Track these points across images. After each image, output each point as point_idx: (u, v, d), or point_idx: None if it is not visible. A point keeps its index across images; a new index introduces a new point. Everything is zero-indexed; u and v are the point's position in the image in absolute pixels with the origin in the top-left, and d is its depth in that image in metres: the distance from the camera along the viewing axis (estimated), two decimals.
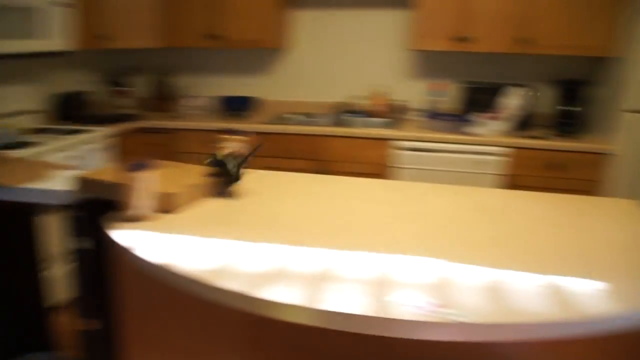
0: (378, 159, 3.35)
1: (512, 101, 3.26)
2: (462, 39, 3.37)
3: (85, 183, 1.71)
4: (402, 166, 3.27)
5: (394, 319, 1.08)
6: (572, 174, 3.15)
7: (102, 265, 1.75)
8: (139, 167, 1.54)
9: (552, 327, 1.10)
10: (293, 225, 1.61)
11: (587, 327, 1.13)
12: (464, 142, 3.21)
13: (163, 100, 4.12)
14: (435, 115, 3.55)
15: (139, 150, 3.65)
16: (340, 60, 3.95)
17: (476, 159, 3.20)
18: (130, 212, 1.58)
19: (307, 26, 3.94)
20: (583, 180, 3.14)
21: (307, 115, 3.87)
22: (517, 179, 3.21)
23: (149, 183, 1.58)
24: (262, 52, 4.06)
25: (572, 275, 1.31)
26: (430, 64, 3.82)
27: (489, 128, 3.27)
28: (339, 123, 3.71)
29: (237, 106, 3.80)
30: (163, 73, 4.26)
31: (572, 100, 3.42)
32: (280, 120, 3.75)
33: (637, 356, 1.33)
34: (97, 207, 1.69)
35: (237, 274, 1.27)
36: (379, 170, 3.36)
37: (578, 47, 3.25)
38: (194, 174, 1.88)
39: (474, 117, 3.35)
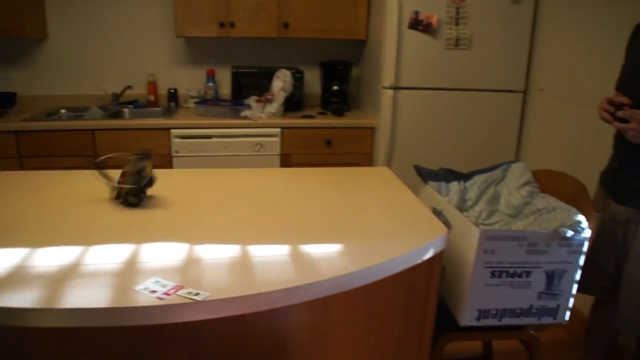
0: (158, 149, 3.28)
1: (281, 84, 3.41)
2: (227, 25, 3.43)
3: None
4: (183, 154, 3.25)
5: (132, 307, 1.08)
6: (342, 148, 3.39)
7: None
8: None
9: (291, 293, 1.19)
10: (41, 225, 1.52)
11: (326, 286, 1.25)
12: (239, 126, 3.28)
13: None
14: (209, 102, 3.57)
15: None
16: (109, 49, 3.76)
17: (253, 141, 3.29)
18: None
19: (66, 13, 3.67)
20: (352, 153, 3.41)
21: (78, 109, 3.63)
22: (291, 157, 3.37)
23: None
24: (15, 43, 3.70)
25: (319, 242, 1.43)
26: (200, 50, 3.82)
27: (262, 111, 3.38)
28: (113, 115, 3.55)
29: None
30: None
31: (338, 80, 3.69)
32: (47, 116, 3.47)
33: (370, 305, 1.51)
34: None
35: None
36: (160, 161, 3.28)
37: (330, 31, 3.52)
38: None
39: (246, 101, 3.44)
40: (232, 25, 3.43)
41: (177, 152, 3.24)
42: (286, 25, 3.46)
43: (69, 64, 3.76)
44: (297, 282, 1.20)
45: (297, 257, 1.33)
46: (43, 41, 3.71)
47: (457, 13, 3.13)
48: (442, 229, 1.58)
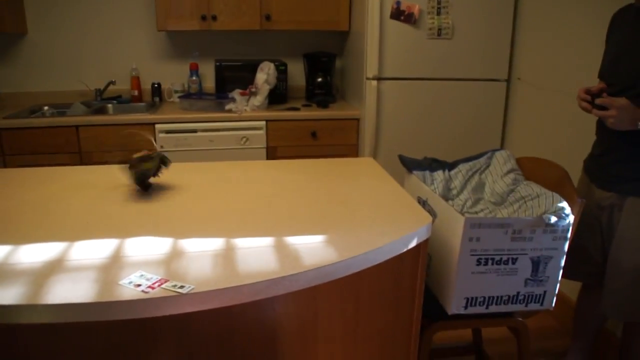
0: (144, 145, 3.25)
1: (265, 76, 3.39)
2: (208, 18, 3.40)
3: None
4: (169, 149, 3.23)
5: (116, 302, 1.07)
6: (326, 140, 3.39)
7: None
8: None
9: (276, 284, 1.19)
10: (26, 222, 1.50)
11: (311, 276, 1.24)
12: (224, 119, 3.26)
13: None
14: (193, 96, 3.55)
15: None
16: (90, 44, 3.72)
17: (238, 134, 3.28)
18: None
19: (45, 7, 3.61)
20: (338, 145, 3.41)
21: (61, 105, 3.59)
22: (277, 150, 3.36)
23: None
24: None
25: (304, 233, 1.43)
26: (182, 44, 3.79)
27: (246, 104, 3.37)
28: (97, 111, 3.51)
29: None
30: None
31: (321, 72, 3.68)
32: (30, 113, 3.43)
33: (357, 295, 1.51)
34: None
35: None
36: None
37: (313, 22, 3.51)
38: None
39: (230, 94, 3.42)
40: (214, 18, 3.40)
41: (162, 147, 3.22)
42: (268, 18, 3.44)
43: (50, 60, 3.71)
44: (282, 273, 1.19)
45: (281, 248, 1.33)
46: (22, 37, 3.66)
47: (439, 3, 3.12)
48: (426, 218, 1.58)
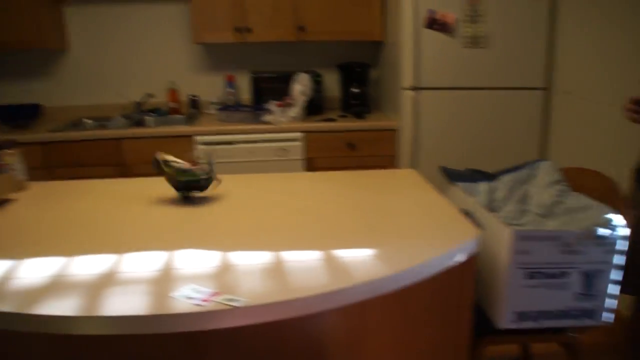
0: (181, 156, 3.28)
1: (301, 87, 3.39)
2: (243, 30, 3.43)
3: None
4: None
5: (171, 315, 1.07)
6: (363, 151, 3.37)
7: None
8: None
9: (327, 298, 1.17)
10: (75, 234, 1.53)
11: (362, 290, 1.23)
12: (261, 131, 3.28)
13: None
14: (230, 108, 3.57)
15: None
16: (129, 58, 3.79)
17: (275, 146, 3.29)
18: None
19: (85, 23, 3.70)
20: (376, 156, 3.38)
21: (102, 118, 3.65)
22: (315, 161, 3.35)
23: None
24: (38, 55, 3.73)
25: (351, 246, 1.41)
26: (218, 56, 3.83)
27: (283, 115, 3.37)
28: (136, 124, 3.57)
29: (16, 115, 3.43)
30: None
31: (356, 82, 3.67)
32: (72, 126, 3.50)
33: (405, 309, 1.48)
34: None
35: (15, 294, 1.17)
36: None
37: (347, 33, 3.50)
38: None
39: (267, 106, 3.43)
40: (248, 30, 3.42)
41: (201, 158, 3.24)
42: (302, 29, 3.45)
43: (91, 74, 3.79)
44: (333, 287, 1.18)
45: (330, 262, 1.31)
46: (64, 52, 3.74)
47: (474, 11, 3.09)
48: (474, 230, 1.55)
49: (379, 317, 1.45)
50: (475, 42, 3.14)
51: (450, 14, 3.07)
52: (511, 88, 3.23)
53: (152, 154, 3.17)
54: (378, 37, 3.54)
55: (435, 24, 3.08)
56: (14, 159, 1.93)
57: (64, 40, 3.68)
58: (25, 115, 3.43)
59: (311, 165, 3.36)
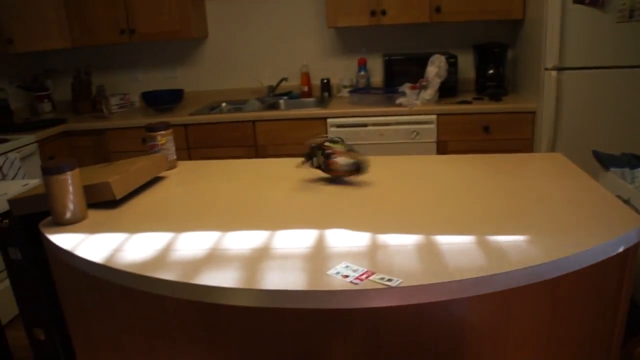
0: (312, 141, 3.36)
1: (436, 69, 3.33)
2: (378, 13, 3.41)
3: (18, 203, 1.65)
4: None
5: (327, 291, 1.10)
6: (498, 134, 3.25)
7: (41, 274, 1.71)
8: (58, 169, 1.49)
9: (484, 282, 1.15)
10: (227, 210, 1.61)
11: (517, 276, 1.18)
12: (394, 113, 3.26)
13: (85, 101, 3.99)
14: (362, 90, 3.58)
15: (66, 155, 3.53)
16: (264, 44, 3.92)
17: (407, 129, 3.26)
18: (61, 216, 1.54)
19: (222, 12, 3.88)
20: (511, 139, 3.25)
21: (237, 102, 3.83)
22: (447, 144, 3.29)
23: (73, 183, 1.53)
24: (181, 44, 3.98)
25: (502, 232, 1.37)
26: (351, 40, 3.85)
27: (416, 98, 3.33)
28: (270, 106, 3.70)
29: (163, 100, 3.70)
30: (81, 73, 4.11)
31: (493, 63, 3.53)
32: (210, 110, 3.70)
33: (554, 300, 1.41)
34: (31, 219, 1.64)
35: (176, 264, 1.26)
36: None
37: (484, 12, 3.37)
38: (133, 163, 1.85)
39: (400, 88, 3.41)
40: (383, 13, 3.40)
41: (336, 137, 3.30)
42: (438, 9, 3.37)
43: (227, 60, 3.98)
44: (490, 271, 1.14)
45: (484, 245, 1.28)
46: (204, 40, 3.95)
47: None
48: (636, 220, 1.44)
49: (525, 307, 1.39)
50: (631, 15, 2.89)
51: None
52: None
53: (285, 136, 3.32)
54: (518, 15, 3.37)
55: None
56: (167, 140, 2.07)
57: (205, 29, 3.88)
58: (169, 99, 3.68)
59: (443, 148, 3.29)
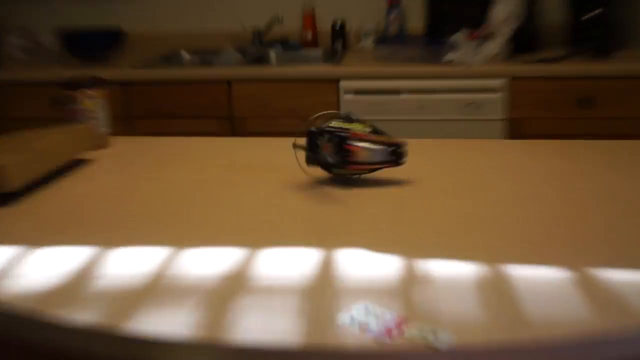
0: (318, 109, 3.31)
1: (505, 11, 3.30)
2: None
3: None
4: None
5: (336, 351, 1.04)
6: (606, 110, 3.25)
7: None
8: None
9: (592, 346, 1.08)
10: (183, 216, 1.58)
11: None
12: (440, 76, 3.27)
13: None
14: (394, 40, 3.56)
15: None
16: None
17: (461, 98, 3.27)
18: None
19: None
20: (622, 118, 3.26)
21: (206, 52, 3.80)
22: (523, 123, 3.30)
23: None
24: None
25: (618, 263, 1.31)
26: None
27: (476, 52, 3.33)
28: (255, 60, 3.67)
29: (92, 45, 3.69)
30: None
31: (593, 3, 3.47)
32: (165, 61, 3.67)
33: None
34: None
35: (96, 299, 1.21)
36: None
37: None
38: (40, 137, 1.83)
39: (451, 38, 3.38)
40: None
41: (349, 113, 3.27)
42: None
43: None
44: (601, 327, 1.08)
45: (589, 285, 1.22)
46: None
47: None
48: None
49: None
50: None
51: None
52: None
53: (275, 105, 3.27)
54: None
55: None
56: (96, 104, 2.01)
57: None
58: (102, 43, 3.64)
59: (516, 129, 3.30)
